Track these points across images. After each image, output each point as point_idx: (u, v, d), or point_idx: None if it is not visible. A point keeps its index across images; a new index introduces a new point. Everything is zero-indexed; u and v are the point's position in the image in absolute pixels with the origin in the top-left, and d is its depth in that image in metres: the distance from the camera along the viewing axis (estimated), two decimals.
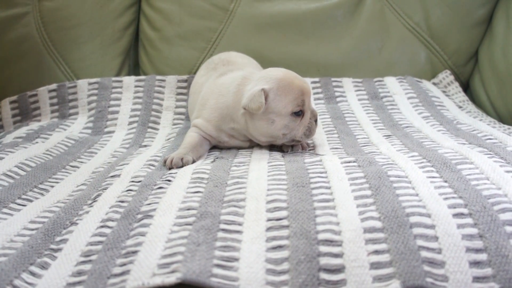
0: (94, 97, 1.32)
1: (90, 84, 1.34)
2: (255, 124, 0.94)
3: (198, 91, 1.11)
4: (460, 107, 1.29)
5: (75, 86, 1.35)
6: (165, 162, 0.89)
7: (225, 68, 1.12)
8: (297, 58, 1.43)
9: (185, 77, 1.38)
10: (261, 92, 0.89)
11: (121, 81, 1.35)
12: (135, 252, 0.56)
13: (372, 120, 1.17)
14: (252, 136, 0.97)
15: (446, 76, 1.43)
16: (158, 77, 1.37)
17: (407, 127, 1.11)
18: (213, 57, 1.25)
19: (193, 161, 0.91)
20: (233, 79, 1.00)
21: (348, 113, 1.22)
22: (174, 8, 1.47)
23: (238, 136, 1.00)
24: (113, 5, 1.48)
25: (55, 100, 1.34)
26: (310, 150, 0.98)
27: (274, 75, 0.94)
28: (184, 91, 1.36)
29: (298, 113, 0.93)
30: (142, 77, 1.37)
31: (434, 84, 1.41)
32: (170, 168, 0.87)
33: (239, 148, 1.02)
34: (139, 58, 1.56)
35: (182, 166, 0.87)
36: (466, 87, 1.48)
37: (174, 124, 1.27)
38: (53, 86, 1.36)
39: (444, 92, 1.38)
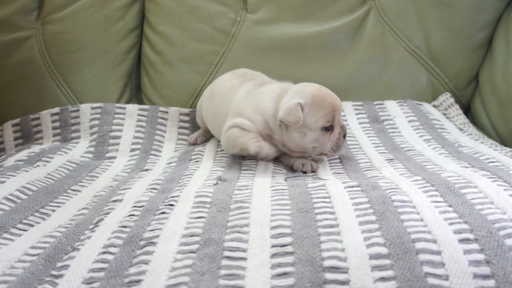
0: (96, 121, 1.32)
1: (92, 108, 1.35)
2: (290, 135, 0.98)
3: (227, 93, 1.14)
4: (461, 129, 1.28)
5: (77, 110, 1.35)
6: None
7: (256, 80, 1.16)
8: (299, 81, 1.41)
9: (187, 110, 1.40)
10: (298, 106, 0.94)
11: (124, 108, 1.36)
12: (138, 282, 0.55)
13: (374, 143, 1.17)
14: (286, 146, 1.01)
15: (446, 98, 1.43)
16: (161, 108, 1.39)
17: (408, 150, 1.10)
18: (237, 69, 1.27)
19: None
20: (274, 90, 1.04)
21: (349, 136, 1.22)
22: (176, 32, 1.48)
23: (272, 142, 1.03)
24: (115, 29, 1.50)
25: (57, 124, 1.34)
26: (312, 174, 0.98)
27: (309, 90, 0.98)
28: (186, 124, 1.38)
29: (328, 128, 0.97)
30: (145, 106, 1.39)
31: (435, 106, 1.42)
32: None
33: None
34: (141, 82, 1.57)
35: None
36: (467, 110, 1.48)
37: (176, 150, 1.27)
38: (56, 109, 1.36)
39: (444, 114, 1.38)
